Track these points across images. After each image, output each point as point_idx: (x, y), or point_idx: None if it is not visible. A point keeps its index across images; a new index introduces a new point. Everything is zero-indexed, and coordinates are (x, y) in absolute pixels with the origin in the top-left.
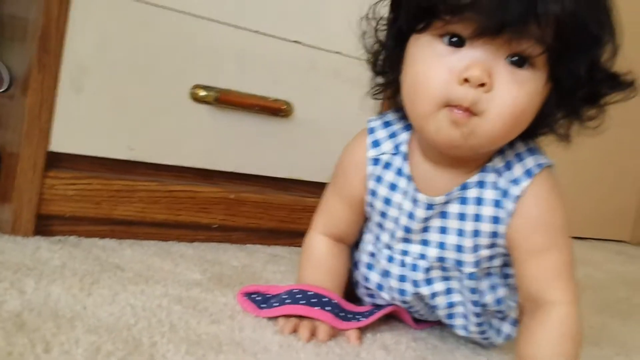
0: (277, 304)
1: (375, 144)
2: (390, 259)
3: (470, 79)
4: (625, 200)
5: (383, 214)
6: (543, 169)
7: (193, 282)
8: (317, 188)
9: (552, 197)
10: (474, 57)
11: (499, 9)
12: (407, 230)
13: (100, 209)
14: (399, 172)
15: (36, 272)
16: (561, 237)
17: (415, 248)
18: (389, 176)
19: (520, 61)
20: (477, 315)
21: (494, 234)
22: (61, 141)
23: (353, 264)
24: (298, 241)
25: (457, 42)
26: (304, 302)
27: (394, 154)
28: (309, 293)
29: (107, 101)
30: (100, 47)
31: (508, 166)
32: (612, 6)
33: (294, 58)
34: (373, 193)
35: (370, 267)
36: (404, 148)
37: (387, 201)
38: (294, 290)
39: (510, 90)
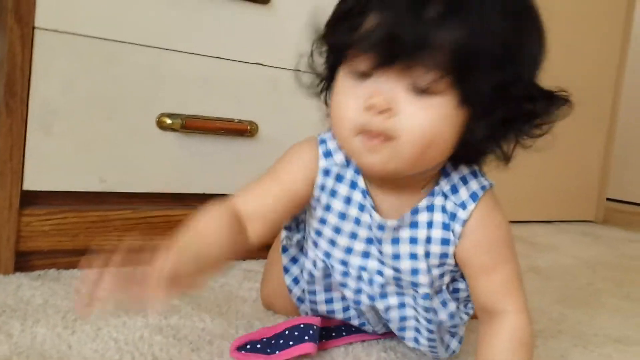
0: (292, 343)
1: (327, 154)
2: (346, 274)
3: (373, 107)
4: (588, 180)
5: (337, 230)
6: (486, 191)
7: (172, 308)
8: None
9: (495, 216)
10: (376, 86)
11: (388, 42)
12: (369, 241)
13: (77, 241)
14: (353, 185)
15: (20, 312)
16: (507, 252)
17: (372, 264)
18: (343, 189)
19: (420, 89)
20: (430, 331)
21: (444, 255)
22: (34, 180)
23: (292, 280)
24: None
25: (363, 74)
26: (307, 338)
27: (346, 166)
28: (301, 326)
29: (76, 138)
30: (65, 87)
31: (454, 189)
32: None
33: (256, 79)
34: (327, 208)
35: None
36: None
37: (342, 216)
38: (291, 329)
39: (416, 116)
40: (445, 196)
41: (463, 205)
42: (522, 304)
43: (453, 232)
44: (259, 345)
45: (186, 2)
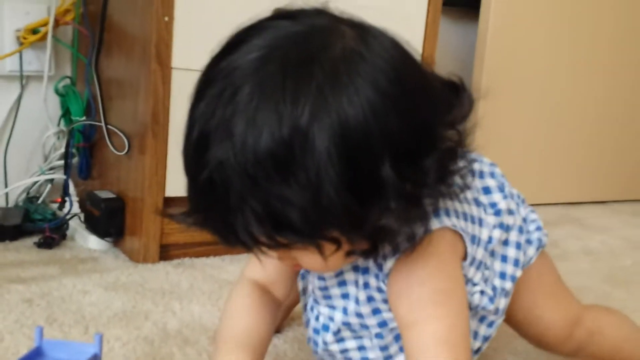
0: None
1: None
2: (312, 310)
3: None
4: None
5: (302, 276)
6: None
7: None
8: None
9: (418, 267)
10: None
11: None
12: (320, 288)
13: (204, 235)
14: None
15: (175, 294)
16: (432, 309)
17: (324, 310)
18: None
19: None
20: None
21: (386, 301)
22: (173, 188)
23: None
24: None
25: None
26: None
27: None
28: None
29: None
30: None
31: None
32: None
33: None
34: None
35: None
36: None
37: (306, 270)
38: None
39: (306, 263)
40: None
41: (385, 257)
42: None
43: (383, 282)
44: None
45: None
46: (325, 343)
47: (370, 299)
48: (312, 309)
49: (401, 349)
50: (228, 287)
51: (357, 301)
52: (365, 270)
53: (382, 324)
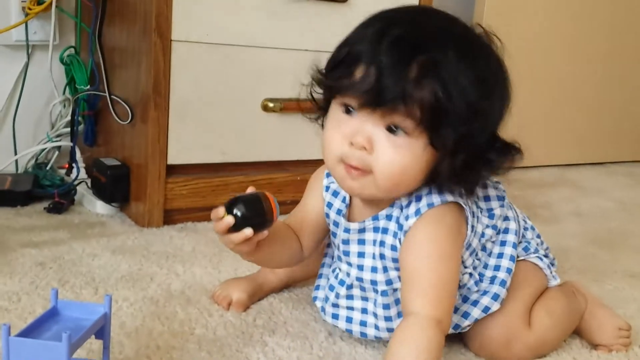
0: None
1: (328, 174)
2: (334, 270)
3: (354, 144)
4: (637, 120)
5: (333, 234)
6: (435, 207)
7: None
8: None
9: (432, 229)
10: (359, 125)
11: (374, 93)
12: (343, 242)
13: (206, 201)
14: (344, 200)
15: (178, 257)
16: (434, 263)
17: (343, 267)
18: (337, 203)
19: (395, 130)
20: (390, 330)
21: (395, 260)
22: (175, 156)
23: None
24: None
25: (349, 111)
26: None
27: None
28: None
29: (204, 122)
30: (194, 84)
31: (408, 204)
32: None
33: None
34: (327, 215)
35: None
36: None
37: (335, 224)
38: None
39: (388, 154)
40: (401, 209)
41: (407, 218)
42: (432, 310)
43: (399, 240)
44: None
45: (279, 9)
46: (337, 296)
47: (382, 256)
48: (334, 270)
49: (399, 315)
50: (228, 252)
51: (373, 256)
52: (385, 230)
53: (388, 282)
